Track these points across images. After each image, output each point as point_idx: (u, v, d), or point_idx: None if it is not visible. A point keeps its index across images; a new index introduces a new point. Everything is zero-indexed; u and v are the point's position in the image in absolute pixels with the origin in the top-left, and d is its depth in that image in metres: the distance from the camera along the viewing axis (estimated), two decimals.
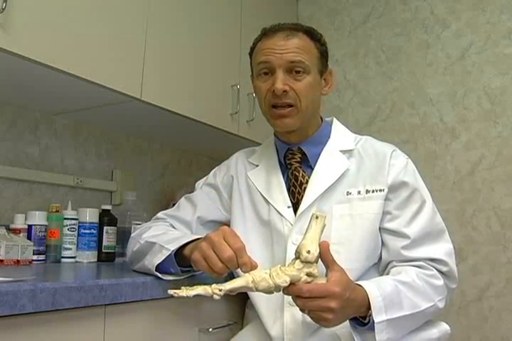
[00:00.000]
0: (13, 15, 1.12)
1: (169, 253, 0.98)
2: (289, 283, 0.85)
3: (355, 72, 2.43)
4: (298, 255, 0.86)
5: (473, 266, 2.06)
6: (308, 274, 0.85)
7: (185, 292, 0.82)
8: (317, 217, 0.88)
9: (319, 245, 0.86)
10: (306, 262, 0.85)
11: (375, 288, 0.94)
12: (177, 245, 0.98)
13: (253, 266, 0.88)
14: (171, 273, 1.01)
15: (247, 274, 0.86)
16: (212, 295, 0.83)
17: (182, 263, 0.99)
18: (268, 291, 0.86)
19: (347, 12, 2.50)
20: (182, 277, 1.02)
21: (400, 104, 2.31)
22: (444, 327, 1.11)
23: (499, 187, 2.07)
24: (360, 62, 2.43)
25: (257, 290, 0.85)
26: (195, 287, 0.83)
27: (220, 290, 0.83)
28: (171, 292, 0.83)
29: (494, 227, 2.05)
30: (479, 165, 2.11)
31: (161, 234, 1.08)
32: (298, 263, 0.85)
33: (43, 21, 1.20)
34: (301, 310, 0.88)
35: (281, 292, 0.87)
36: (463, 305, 2.04)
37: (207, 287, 0.83)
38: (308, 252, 0.85)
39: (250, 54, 1.19)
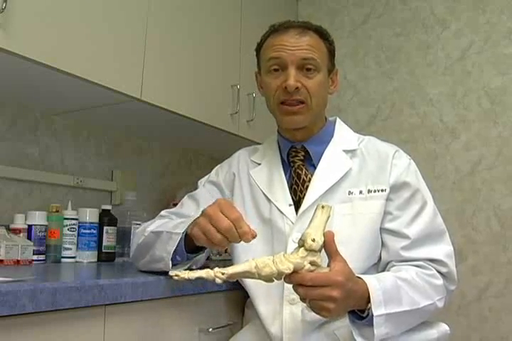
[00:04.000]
0: (13, 15, 1.12)
1: (180, 236, 0.98)
2: (292, 270, 0.84)
3: (355, 72, 2.43)
4: (302, 243, 0.86)
5: (473, 266, 2.06)
6: (311, 263, 0.85)
7: (186, 275, 0.81)
8: (323, 207, 0.87)
9: (324, 234, 0.86)
10: (311, 250, 0.85)
11: (376, 282, 0.94)
12: (184, 227, 0.99)
13: (253, 235, 0.89)
14: (175, 264, 1.01)
15: (250, 259, 0.85)
16: (214, 279, 0.82)
17: (188, 248, 1.00)
18: (269, 278, 0.85)
19: (347, 12, 2.50)
20: (187, 266, 1.02)
21: (399, 104, 2.31)
22: (443, 327, 1.11)
23: (499, 187, 2.06)
24: (360, 62, 2.43)
25: (260, 276, 0.84)
26: (196, 270, 0.82)
27: (223, 274, 0.82)
28: (172, 273, 0.82)
29: (494, 227, 2.05)
30: (479, 165, 2.11)
31: (165, 223, 1.10)
32: (302, 251, 0.85)
33: (43, 21, 1.20)
34: (302, 299, 0.88)
35: (283, 285, 0.87)
36: (463, 305, 2.04)
37: (209, 270, 0.82)
38: (313, 240, 0.84)
39: (257, 50, 1.19)
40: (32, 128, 1.59)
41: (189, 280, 0.82)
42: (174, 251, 0.99)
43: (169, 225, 1.06)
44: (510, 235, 2.02)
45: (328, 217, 0.88)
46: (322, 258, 0.87)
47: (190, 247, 1.01)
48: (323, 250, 0.87)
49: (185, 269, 1.00)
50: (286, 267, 0.84)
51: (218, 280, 0.82)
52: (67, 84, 1.36)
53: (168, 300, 1.03)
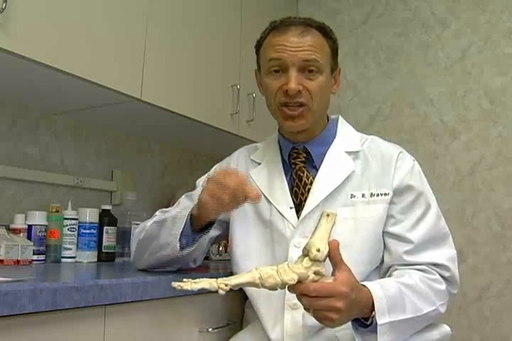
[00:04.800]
0: (13, 15, 1.12)
1: (185, 218, 1.01)
2: (296, 281, 0.83)
3: (355, 72, 2.43)
4: (307, 252, 0.85)
5: (474, 266, 2.06)
6: (316, 273, 0.84)
7: (189, 285, 0.80)
8: (328, 215, 0.86)
9: (328, 244, 0.85)
10: (315, 260, 0.84)
11: (380, 290, 0.93)
12: (189, 209, 1.02)
13: (257, 194, 0.96)
14: (181, 248, 1.02)
15: (253, 270, 0.84)
16: (217, 290, 0.81)
17: (194, 230, 1.03)
18: (273, 288, 0.84)
19: (347, 12, 2.50)
20: (193, 248, 1.04)
21: (400, 104, 2.31)
22: (444, 328, 1.10)
23: (499, 187, 2.07)
24: (360, 62, 2.43)
25: (263, 286, 0.83)
26: (199, 280, 0.81)
27: (226, 285, 0.81)
28: (174, 284, 0.81)
29: (494, 227, 2.05)
30: (479, 165, 2.11)
31: (167, 213, 1.10)
32: (306, 261, 0.84)
33: (43, 21, 1.20)
34: (306, 309, 0.87)
35: (285, 290, 0.86)
36: (463, 306, 2.04)
37: (212, 281, 0.81)
38: (318, 250, 0.83)
39: (257, 48, 1.15)
40: (32, 128, 1.59)
41: (192, 291, 0.81)
42: (180, 234, 1.00)
43: (172, 213, 1.08)
44: (510, 235, 2.02)
45: (333, 225, 0.87)
46: (327, 267, 0.86)
47: (195, 229, 1.03)
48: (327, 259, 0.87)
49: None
50: (291, 278, 0.83)
51: (221, 292, 0.81)
52: (67, 84, 1.36)
53: (168, 300, 1.02)
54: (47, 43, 1.21)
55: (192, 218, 1.02)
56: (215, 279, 0.82)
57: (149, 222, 1.12)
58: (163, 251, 1.04)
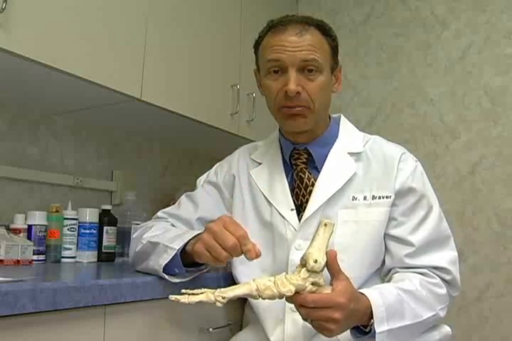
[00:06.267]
0: (13, 15, 1.12)
1: (175, 252, 0.95)
2: (293, 292, 0.83)
3: (355, 71, 2.43)
4: (304, 263, 0.84)
5: (473, 266, 2.06)
6: (313, 283, 0.84)
7: (187, 299, 0.81)
8: (325, 225, 0.85)
9: (326, 254, 0.85)
10: (313, 271, 0.84)
11: (379, 298, 0.92)
12: (181, 243, 0.96)
13: (257, 253, 0.87)
14: (175, 275, 0.99)
15: (251, 281, 0.84)
16: (215, 303, 0.82)
17: (186, 261, 0.98)
18: (271, 299, 0.85)
19: (347, 12, 2.50)
20: (187, 279, 1.00)
21: (400, 104, 2.31)
22: (445, 329, 1.09)
23: (499, 187, 2.06)
24: (360, 62, 2.43)
25: (261, 298, 0.84)
26: (197, 291, 0.82)
27: (223, 298, 0.81)
28: (172, 298, 0.82)
29: (494, 227, 2.05)
30: (479, 165, 2.11)
31: (163, 233, 1.06)
32: (304, 272, 0.84)
33: (43, 21, 1.20)
34: (304, 318, 0.87)
35: (283, 299, 0.86)
36: (463, 306, 2.04)
37: (209, 294, 0.82)
38: (316, 261, 0.83)
39: (256, 47, 1.14)
40: (32, 128, 1.59)
41: (189, 304, 0.82)
42: (172, 263, 0.96)
43: (167, 236, 1.02)
44: (510, 235, 2.02)
45: (331, 234, 0.86)
46: (324, 277, 0.86)
47: (189, 261, 0.98)
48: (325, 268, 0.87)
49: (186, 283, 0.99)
50: (288, 289, 0.83)
51: (219, 304, 0.82)
52: (67, 84, 1.36)
53: (168, 300, 1.01)
54: (47, 43, 1.21)
55: (185, 251, 0.96)
56: (212, 291, 0.82)
57: (147, 234, 1.08)
58: (155, 273, 1.01)
